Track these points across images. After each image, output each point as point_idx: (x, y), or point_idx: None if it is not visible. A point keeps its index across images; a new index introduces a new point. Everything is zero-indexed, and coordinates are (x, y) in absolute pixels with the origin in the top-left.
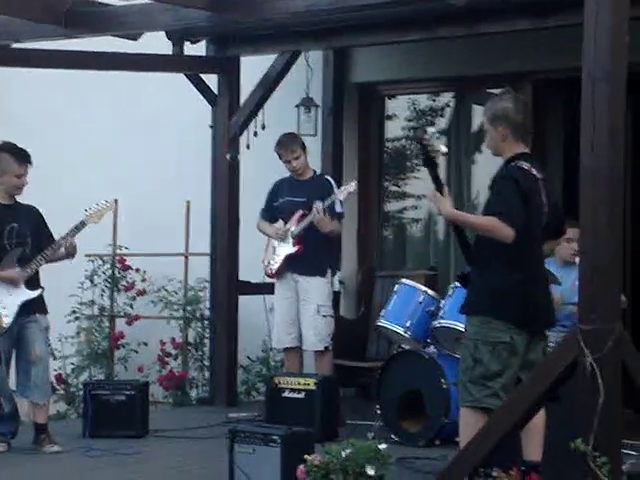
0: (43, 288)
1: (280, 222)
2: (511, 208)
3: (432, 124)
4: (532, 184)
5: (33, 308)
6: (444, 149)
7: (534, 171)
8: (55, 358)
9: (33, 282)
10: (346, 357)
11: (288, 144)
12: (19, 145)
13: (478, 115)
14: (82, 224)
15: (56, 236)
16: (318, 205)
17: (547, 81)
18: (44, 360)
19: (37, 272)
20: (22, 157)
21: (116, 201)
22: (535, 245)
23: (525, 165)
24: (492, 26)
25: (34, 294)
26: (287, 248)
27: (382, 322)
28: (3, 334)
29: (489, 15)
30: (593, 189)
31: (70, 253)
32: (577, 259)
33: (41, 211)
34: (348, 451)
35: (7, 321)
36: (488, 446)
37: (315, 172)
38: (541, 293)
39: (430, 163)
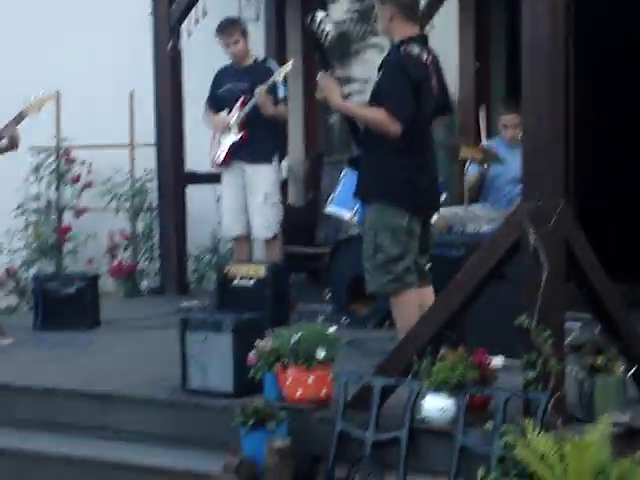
0: None
1: (224, 112)
2: (400, 101)
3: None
4: (422, 73)
5: None
6: (331, 30)
7: (424, 56)
8: (0, 252)
9: None
10: (295, 243)
11: (227, 29)
12: None
13: None
14: (21, 115)
15: None
16: (261, 87)
17: None
18: None
19: None
20: None
21: (58, 93)
22: (423, 132)
23: (415, 50)
24: None
25: None
26: (232, 136)
27: (330, 208)
28: None
29: None
30: (533, 65)
31: (13, 144)
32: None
33: None
34: (298, 335)
35: None
36: (436, 325)
37: (257, 58)
38: (428, 178)
39: (318, 45)
